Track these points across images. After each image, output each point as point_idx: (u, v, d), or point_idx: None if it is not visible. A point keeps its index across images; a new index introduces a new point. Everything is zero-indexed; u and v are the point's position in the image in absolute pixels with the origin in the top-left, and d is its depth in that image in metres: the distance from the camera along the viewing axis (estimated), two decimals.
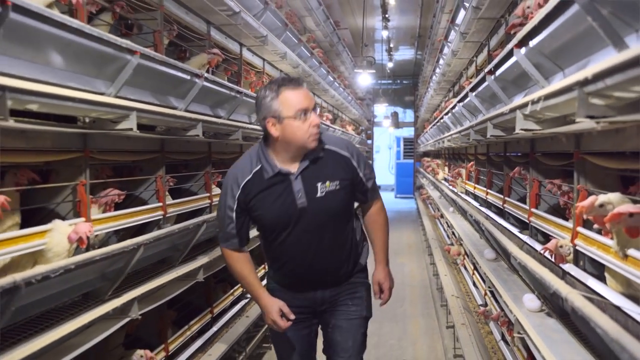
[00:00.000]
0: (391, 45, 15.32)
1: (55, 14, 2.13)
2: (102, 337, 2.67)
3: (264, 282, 2.76)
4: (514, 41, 2.70)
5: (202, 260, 4.06)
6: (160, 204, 3.57)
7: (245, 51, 5.45)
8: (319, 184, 2.35)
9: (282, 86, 2.25)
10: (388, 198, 20.08)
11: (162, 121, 3.17)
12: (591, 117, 1.62)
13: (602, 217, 2.03)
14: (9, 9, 1.85)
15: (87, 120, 2.70)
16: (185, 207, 3.94)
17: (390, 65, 17.55)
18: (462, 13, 5.49)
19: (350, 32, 13.69)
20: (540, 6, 2.57)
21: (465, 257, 6.30)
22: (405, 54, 18.91)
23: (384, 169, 23.44)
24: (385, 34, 13.61)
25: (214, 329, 4.52)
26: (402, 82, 23.24)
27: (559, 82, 1.89)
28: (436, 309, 6.51)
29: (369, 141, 22.42)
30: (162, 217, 3.55)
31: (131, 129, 2.66)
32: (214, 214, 4.10)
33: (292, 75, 1.81)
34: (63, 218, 2.66)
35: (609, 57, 1.45)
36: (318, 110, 2.26)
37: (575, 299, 2.13)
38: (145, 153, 3.50)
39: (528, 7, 3.13)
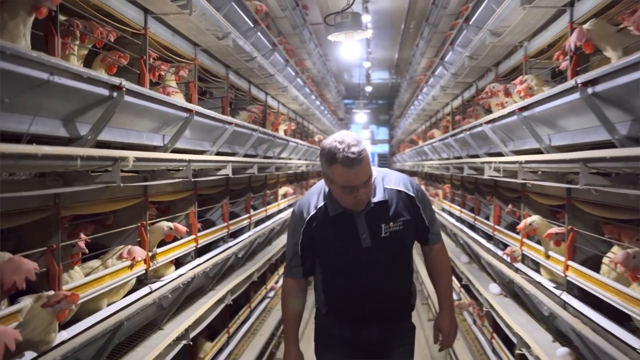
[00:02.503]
0: (369, 72, 16.99)
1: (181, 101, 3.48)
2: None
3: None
4: (484, 119, 4.15)
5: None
6: (226, 223, 4.93)
7: (269, 98, 6.85)
8: (383, 225, 2.33)
9: (336, 161, 2.16)
10: None
11: (239, 166, 4.54)
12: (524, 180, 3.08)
13: (533, 230, 3.48)
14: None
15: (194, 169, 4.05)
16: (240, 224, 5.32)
17: (369, 89, 19.27)
18: (443, 72, 6.92)
19: (335, 62, 15.19)
20: (502, 106, 4.01)
21: None
22: (382, 76, 20.52)
23: None
24: (367, 65, 15.23)
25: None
26: (377, 102, 24.88)
27: (509, 157, 3.35)
28: (417, 307, 7.90)
29: None
30: (227, 231, 4.91)
31: (228, 174, 4.03)
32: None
33: (351, 145, 2.13)
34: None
35: (533, 146, 2.91)
36: (372, 178, 2.26)
37: (521, 282, 3.58)
38: (217, 187, 4.85)
39: (493, 87, 4.59)
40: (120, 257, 2.88)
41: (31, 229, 2.32)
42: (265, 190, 6.75)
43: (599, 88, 2.18)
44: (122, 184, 2.34)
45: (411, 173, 14.15)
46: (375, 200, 2.33)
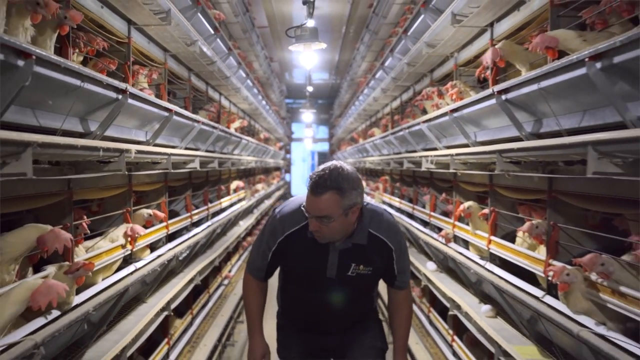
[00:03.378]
0: (310, 73, 17.61)
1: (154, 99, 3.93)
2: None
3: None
4: (422, 119, 4.80)
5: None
6: (189, 213, 5.37)
7: (223, 99, 7.30)
8: (352, 264, 2.37)
9: (309, 187, 2.23)
10: None
11: (204, 160, 4.99)
12: (455, 170, 3.72)
13: (469, 214, 4.13)
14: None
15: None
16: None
17: (310, 89, 19.88)
18: (384, 76, 7.54)
19: (279, 63, 15.70)
20: (437, 107, 4.65)
21: None
22: (323, 77, 21.17)
23: (299, 180, 25.55)
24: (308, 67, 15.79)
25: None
26: (317, 102, 25.54)
27: (442, 150, 3.99)
28: None
29: (288, 155, 24.55)
30: (190, 221, 5.35)
31: (196, 167, 4.49)
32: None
33: (321, 176, 2.20)
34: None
35: (462, 142, 3.55)
36: (331, 220, 2.23)
37: (454, 255, 4.23)
38: (182, 180, 5.28)
39: (428, 90, 5.24)
40: (125, 235, 3.31)
41: (47, 209, 2.73)
42: (220, 185, 7.21)
43: (510, 95, 2.82)
44: (126, 172, 2.78)
45: None
46: (353, 241, 2.35)
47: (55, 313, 2.51)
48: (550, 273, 2.66)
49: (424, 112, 5.42)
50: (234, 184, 8.57)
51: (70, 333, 2.52)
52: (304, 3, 4.21)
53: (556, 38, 2.54)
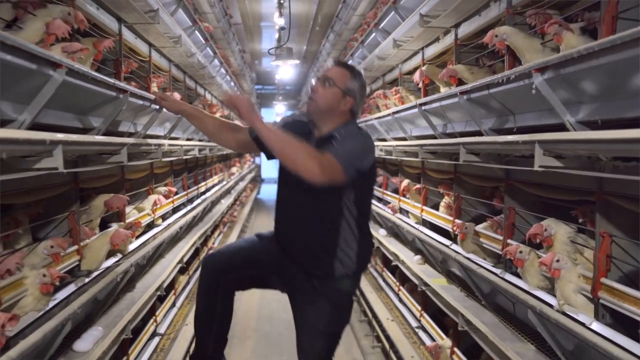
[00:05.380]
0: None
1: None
2: None
3: None
4: (374, 116, 6.06)
5: None
6: (186, 191, 6.54)
7: (207, 93, 8.43)
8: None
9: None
10: (272, 189, 23.01)
11: (200, 148, 6.17)
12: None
13: (408, 189, 5.42)
14: None
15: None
16: None
17: (279, 76, 21.02)
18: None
19: (250, 54, 16.76)
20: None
21: None
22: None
23: (267, 163, 26.67)
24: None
25: None
26: (285, 88, 26.68)
27: (390, 142, 5.28)
28: None
29: None
30: (186, 197, 6.53)
31: (195, 155, 5.68)
32: None
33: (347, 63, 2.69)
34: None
35: (401, 135, 4.85)
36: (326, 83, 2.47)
37: (398, 222, 5.54)
38: (181, 164, 6.43)
39: (378, 93, 6.49)
40: (154, 204, 4.50)
41: (108, 187, 3.88)
42: (206, 168, 8.38)
43: (427, 107, 4.10)
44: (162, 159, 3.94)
45: None
46: (325, 133, 2.46)
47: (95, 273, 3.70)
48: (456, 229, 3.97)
49: (377, 108, 6.68)
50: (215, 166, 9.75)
51: (131, 271, 3.71)
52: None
53: (456, 70, 3.81)
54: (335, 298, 2.50)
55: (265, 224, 11.26)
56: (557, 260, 2.63)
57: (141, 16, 3.86)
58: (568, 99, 2.38)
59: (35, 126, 2.19)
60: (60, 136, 2.08)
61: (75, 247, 3.04)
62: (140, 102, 3.57)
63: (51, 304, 2.57)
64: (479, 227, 3.76)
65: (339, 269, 2.47)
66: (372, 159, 2.44)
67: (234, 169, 13.50)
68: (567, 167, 2.37)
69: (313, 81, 2.58)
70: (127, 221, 3.96)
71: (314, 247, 2.48)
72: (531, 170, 2.47)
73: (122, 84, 3.10)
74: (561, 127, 2.44)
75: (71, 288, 2.90)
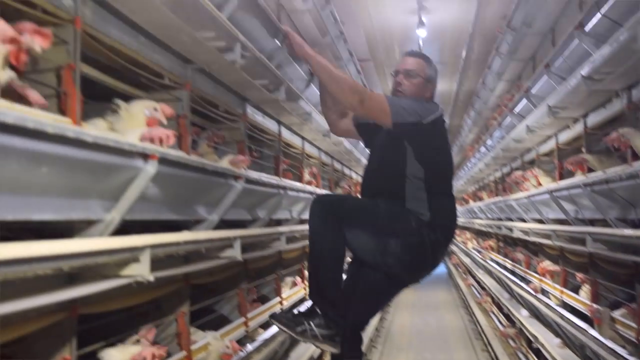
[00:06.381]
0: None
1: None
2: None
3: None
4: (512, 196, 6.22)
5: None
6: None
7: (346, 169, 9.09)
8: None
9: (404, 53, 2.80)
10: None
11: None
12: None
13: (552, 275, 5.46)
14: None
15: None
16: None
17: None
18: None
19: None
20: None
21: (492, 305, 9.62)
22: None
23: None
24: None
25: None
26: None
27: (529, 224, 5.42)
28: (472, 341, 9.69)
29: None
30: None
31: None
32: None
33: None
34: None
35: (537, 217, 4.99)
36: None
37: (538, 304, 5.57)
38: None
39: (516, 174, 6.64)
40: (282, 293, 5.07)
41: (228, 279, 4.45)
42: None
43: (557, 193, 4.27)
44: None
45: (463, 228, 16.01)
46: None
47: None
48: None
49: (517, 188, 6.81)
50: None
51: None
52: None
53: (584, 159, 3.98)
54: (404, 226, 2.47)
55: (404, 318, 11.37)
56: None
57: (296, 118, 4.58)
58: None
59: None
60: (238, 232, 2.70)
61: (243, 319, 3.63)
62: (296, 194, 4.21)
63: None
64: (616, 313, 3.79)
65: (410, 205, 2.49)
66: (428, 116, 2.48)
67: None
68: None
69: (396, 81, 2.69)
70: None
71: (390, 194, 2.55)
72: None
73: (283, 183, 3.73)
74: None
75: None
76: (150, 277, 1.73)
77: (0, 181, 1.31)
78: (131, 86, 2.47)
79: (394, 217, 2.49)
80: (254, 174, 3.05)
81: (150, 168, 1.75)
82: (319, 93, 3.00)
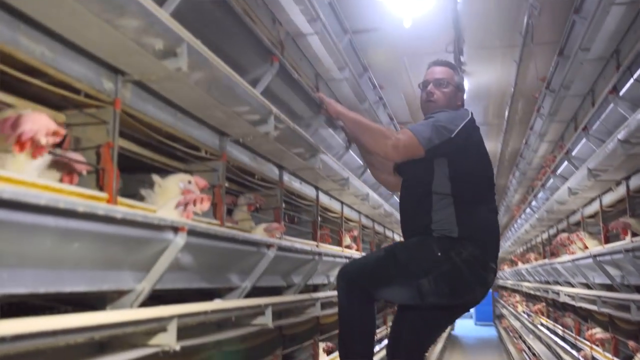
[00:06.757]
0: None
1: None
2: None
3: None
4: (558, 259, 6.05)
5: None
6: None
7: (388, 231, 9.04)
8: None
9: (430, 63, 2.75)
10: (468, 325, 21.88)
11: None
12: None
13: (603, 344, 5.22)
14: None
15: None
16: None
17: None
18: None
19: None
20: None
21: None
22: None
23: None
24: None
25: None
26: None
27: (577, 289, 5.24)
28: None
29: None
30: None
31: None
32: None
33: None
34: None
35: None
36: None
37: None
38: None
39: (561, 237, 6.47)
40: None
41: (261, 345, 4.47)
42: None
43: (601, 258, 4.14)
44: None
45: (513, 290, 15.50)
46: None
47: None
48: None
49: (563, 250, 6.62)
50: None
51: None
52: None
53: (627, 223, 3.88)
54: (428, 258, 2.36)
55: None
56: None
57: (334, 184, 4.65)
58: None
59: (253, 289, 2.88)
60: (270, 300, 2.73)
61: None
62: (332, 259, 4.22)
63: None
64: None
65: (437, 226, 2.40)
66: (457, 128, 2.42)
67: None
68: None
69: (428, 91, 2.67)
70: None
71: (416, 218, 2.52)
72: None
73: (318, 249, 3.77)
74: None
75: None
76: (177, 347, 1.78)
77: (35, 257, 1.40)
78: (169, 158, 2.60)
79: (413, 257, 2.41)
80: (286, 242, 3.10)
81: (180, 240, 1.83)
82: (360, 160, 3.08)
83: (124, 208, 1.62)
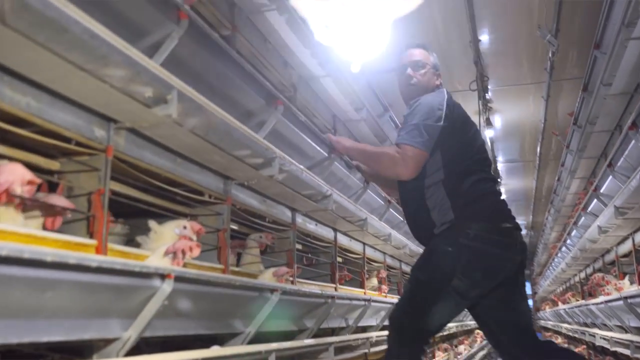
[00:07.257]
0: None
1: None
2: None
3: None
4: (593, 301, 5.79)
5: None
6: None
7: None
8: None
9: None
10: None
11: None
12: None
13: None
14: None
15: None
16: None
17: None
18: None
19: None
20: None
21: None
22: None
23: None
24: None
25: None
26: None
27: (612, 332, 4.98)
28: None
29: None
30: None
31: None
32: None
33: None
34: None
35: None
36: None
37: None
38: None
39: (595, 277, 6.21)
40: None
41: None
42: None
43: (632, 300, 3.94)
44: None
45: (554, 332, 14.90)
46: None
47: None
48: None
49: (598, 291, 6.34)
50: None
51: None
52: None
53: None
54: (443, 259, 2.27)
55: None
56: None
57: (352, 225, 4.59)
58: None
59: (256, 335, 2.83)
60: (273, 346, 2.67)
61: None
62: (349, 302, 4.13)
63: None
64: None
65: (435, 216, 2.34)
66: (441, 115, 2.37)
67: (461, 347, 13.19)
68: None
69: (407, 74, 2.58)
70: None
71: (416, 214, 2.47)
72: None
73: (329, 292, 3.69)
74: None
75: None
76: None
77: (18, 307, 1.39)
78: (173, 203, 2.61)
79: (431, 268, 2.32)
80: (292, 286, 3.05)
81: (167, 287, 1.81)
82: (380, 199, 2.99)
83: (100, 257, 1.62)
